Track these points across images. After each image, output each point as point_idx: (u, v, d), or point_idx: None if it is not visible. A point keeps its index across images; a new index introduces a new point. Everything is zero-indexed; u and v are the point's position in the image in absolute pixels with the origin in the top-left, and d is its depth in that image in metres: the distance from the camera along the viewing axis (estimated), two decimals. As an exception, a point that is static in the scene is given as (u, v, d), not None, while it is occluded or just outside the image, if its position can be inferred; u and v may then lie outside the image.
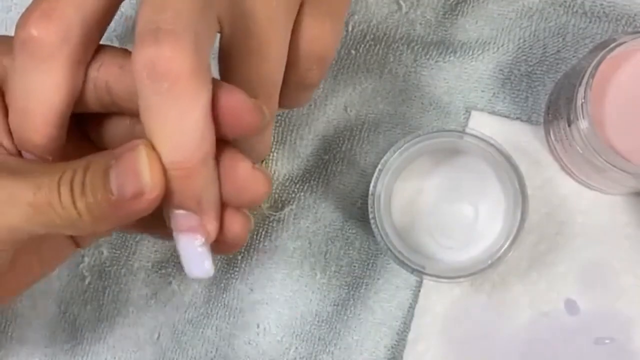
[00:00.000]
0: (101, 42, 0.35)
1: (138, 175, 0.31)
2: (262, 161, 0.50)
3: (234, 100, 0.32)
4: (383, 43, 0.49)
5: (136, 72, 0.31)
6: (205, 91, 0.31)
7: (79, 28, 0.33)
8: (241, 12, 0.33)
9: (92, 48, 0.34)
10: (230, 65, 0.34)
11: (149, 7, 0.31)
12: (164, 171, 0.31)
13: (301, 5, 0.35)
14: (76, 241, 0.39)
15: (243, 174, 0.33)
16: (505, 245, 0.44)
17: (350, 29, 0.50)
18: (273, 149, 0.50)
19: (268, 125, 0.36)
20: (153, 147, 0.31)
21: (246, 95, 0.33)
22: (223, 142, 0.33)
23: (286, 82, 0.36)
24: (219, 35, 0.35)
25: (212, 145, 0.32)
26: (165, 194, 0.32)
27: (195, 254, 0.33)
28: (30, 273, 0.38)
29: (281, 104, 0.37)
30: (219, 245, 0.34)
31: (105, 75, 0.34)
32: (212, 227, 0.33)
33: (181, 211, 0.33)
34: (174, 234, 0.33)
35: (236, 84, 0.34)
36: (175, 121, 0.31)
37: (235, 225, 0.34)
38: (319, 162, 0.50)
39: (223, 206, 0.34)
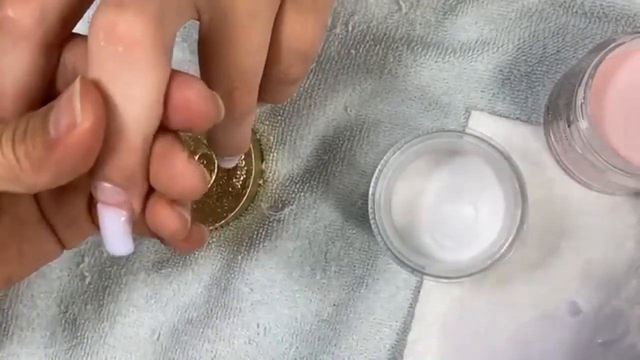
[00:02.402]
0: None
1: (73, 106, 0.30)
2: (262, 161, 0.50)
3: (190, 88, 0.32)
4: (383, 43, 0.49)
5: (92, 34, 0.30)
6: (160, 67, 0.31)
7: (55, 11, 0.33)
8: (221, 1, 0.33)
9: (67, 33, 0.34)
10: (209, 55, 0.34)
11: None
12: (102, 104, 0.30)
13: None
14: (61, 242, 0.39)
15: (178, 165, 0.33)
16: (505, 245, 0.44)
17: (350, 29, 0.50)
18: (273, 149, 0.50)
19: (247, 118, 0.36)
20: (94, 83, 0.31)
21: (204, 85, 0.32)
22: (165, 130, 0.33)
23: (268, 77, 0.36)
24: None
25: (154, 126, 0.32)
26: (98, 161, 0.31)
27: (118, 229, 0.33)
28: (6, 267, 0.38)
29: (263, 99, 0.37)
30: (178, 244, 0.35)
31: (73, 60, 0.34)
32: (137, 204, 0.33)
33: (109, 184, 0.32)
34: (99, 206, 0.33)
35: (214, 75, 0.34)
36: (124, 87, 0.31)
37: (169, 221, 0.34)
38: (319, 162, 0.50)
39: (164, 199, 0.34)
